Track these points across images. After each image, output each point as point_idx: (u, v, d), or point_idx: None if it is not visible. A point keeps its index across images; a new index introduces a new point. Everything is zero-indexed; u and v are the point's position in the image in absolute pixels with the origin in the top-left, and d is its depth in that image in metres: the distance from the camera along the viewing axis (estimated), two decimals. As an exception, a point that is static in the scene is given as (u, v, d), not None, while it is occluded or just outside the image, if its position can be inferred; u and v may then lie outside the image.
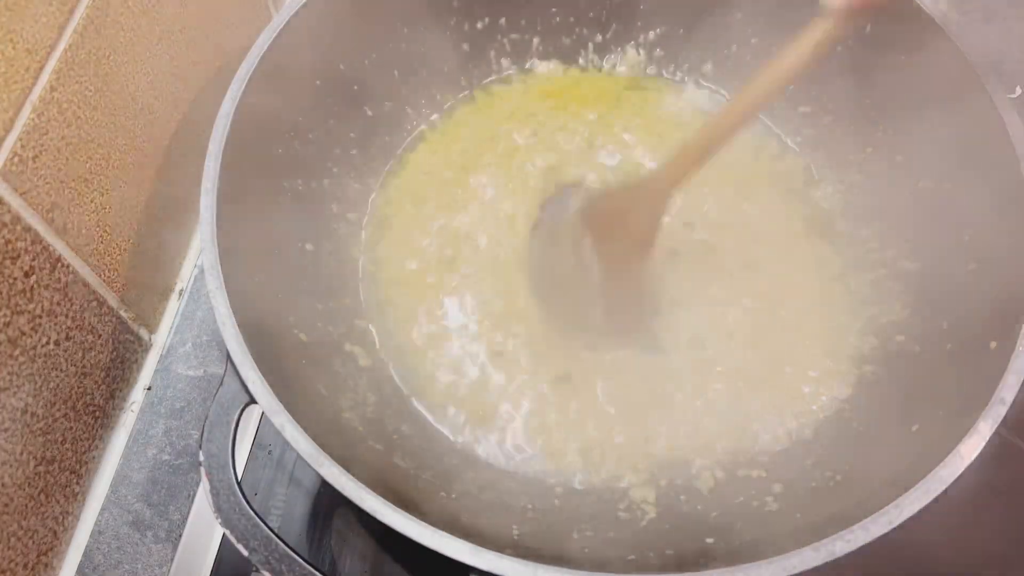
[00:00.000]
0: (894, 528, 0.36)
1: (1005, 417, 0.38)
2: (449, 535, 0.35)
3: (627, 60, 0.67)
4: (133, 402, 0.56)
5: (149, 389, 0.56)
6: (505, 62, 0.67)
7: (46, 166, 0.45)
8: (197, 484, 0.52)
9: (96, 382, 0.52)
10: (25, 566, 0.46)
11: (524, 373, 0.54)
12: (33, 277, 0.44)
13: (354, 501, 0.36)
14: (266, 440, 0.54)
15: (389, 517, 0.36)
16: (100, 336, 0.52)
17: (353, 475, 0.37)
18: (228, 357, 0.40)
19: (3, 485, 0.44)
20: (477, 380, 0.54)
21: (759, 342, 0.54)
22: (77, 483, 0.51)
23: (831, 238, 0.59)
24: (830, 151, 0.61)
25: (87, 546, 0.50)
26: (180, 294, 0.60)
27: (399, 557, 0.50)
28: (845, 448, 0.48)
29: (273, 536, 0.38)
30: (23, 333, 0.44)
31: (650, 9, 0.65)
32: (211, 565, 0.50)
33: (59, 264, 0.47)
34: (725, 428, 0.51)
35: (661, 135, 0.64)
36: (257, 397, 0.39)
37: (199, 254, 0.62)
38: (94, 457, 0.53)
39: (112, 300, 0.53)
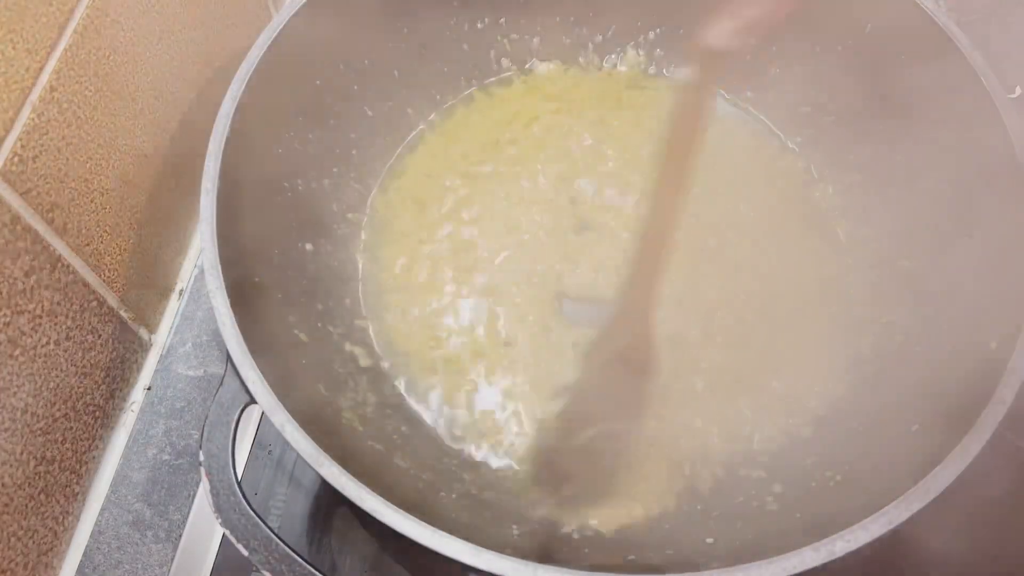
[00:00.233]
0: (894, 528, 0.36)
1: (1005, 417, 0.38)
2: (449, 535, 0.35)
3: (627, 60, 0.67)
4: (133, 402, 0.56)
5: (149, 389, 0.56)
6: (505, 62, 0.67)
7: (46, 166, 0.45)
8: (197, 484, 0.52)
9: (96, 382, 0.52)
10: (25, 566, 0.46)
11: (524, 374, 0.53)
12: (33, 277, 0.44)
13: (354, 501, 0.36)
14: (266, 440, 0.54)
15: (389, 517, 0.36)
16: (100, 336, 0.52)
17: (353, 475, 0.37)
18: (228, 357, 0.40)
19: (3, 485, 0.44)
20: (477, 380, 0.54)
21: (758, 342, 0.54)
22: (77, 483, 0.51)
23: (830, 238, 0.59)
24: (830, 151, 0.61)
25: (87, 546, 0.50)
26: (180, 294, 0.60)
27: (399, 557, 0.50)
28: (845, 448, 0.48)
29: (273, 536, 0.38)
30: (23, 333, 0.44)
31: (650, 9, 0.65)
32: (211, 565, 0.50)
33: (59, 264, 0.47)
34: (724, 428, 0.51)
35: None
36: (257, 397, 0.39)
37: (199, 254, 0.62)
38: (94, 457, 0.53)
39: (112, 300, 0.53)
